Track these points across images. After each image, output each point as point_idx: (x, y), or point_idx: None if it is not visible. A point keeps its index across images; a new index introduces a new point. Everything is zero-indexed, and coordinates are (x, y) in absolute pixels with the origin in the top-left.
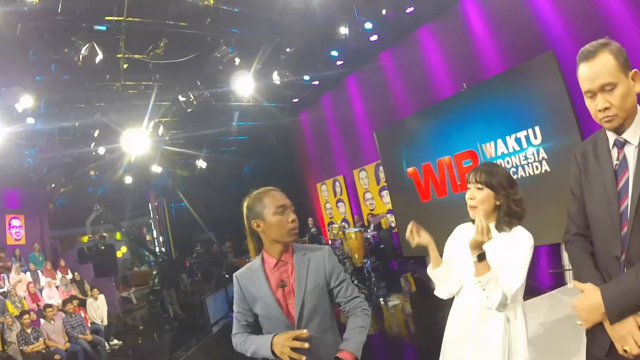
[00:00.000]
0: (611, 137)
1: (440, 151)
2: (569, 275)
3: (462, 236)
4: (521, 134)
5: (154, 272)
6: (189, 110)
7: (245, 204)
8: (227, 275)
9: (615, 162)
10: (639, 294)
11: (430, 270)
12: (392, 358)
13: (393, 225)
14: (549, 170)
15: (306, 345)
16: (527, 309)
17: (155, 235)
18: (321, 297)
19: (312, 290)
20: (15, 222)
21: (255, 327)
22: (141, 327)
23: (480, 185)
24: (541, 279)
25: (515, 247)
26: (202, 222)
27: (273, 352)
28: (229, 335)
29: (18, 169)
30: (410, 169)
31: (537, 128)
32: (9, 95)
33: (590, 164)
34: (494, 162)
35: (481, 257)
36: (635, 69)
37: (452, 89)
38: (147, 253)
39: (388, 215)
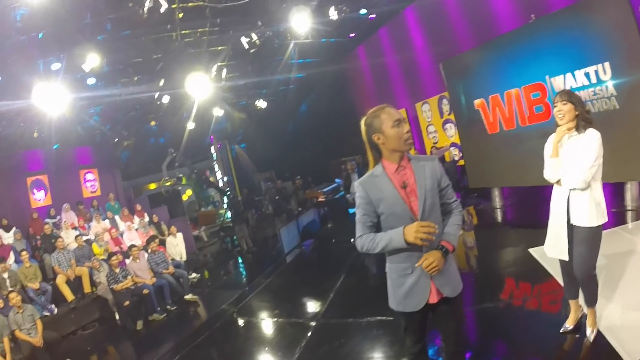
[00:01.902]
0: None
1: (508, 83)
2: (630, 215)
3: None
4: (590, 69)
5: (220, 211)
6: (251, 50)
7: (363, 121)
8: (299, 209)
9: None
10: None
11: (549, 159)
12: None
13: (456, 158)
14: (617, 107)
15: (436, 229)
16: None
17: (219, 176)
18: (436, 196)
19: (430, 190)
20: (89, 176)
21: (377, 228)
22: (216, 261)
23: (565, 102)
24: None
25: (589, 144)
26: (262, 160)
27: (406, 241)
28: (302, 263)
29: (86, 128)
30: (477, 101)
31: (606, 64)
32: (73, 59)
33: None
34: None
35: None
36: None
37: (518, 20)
38: (211, 194)
39: (451, 148)
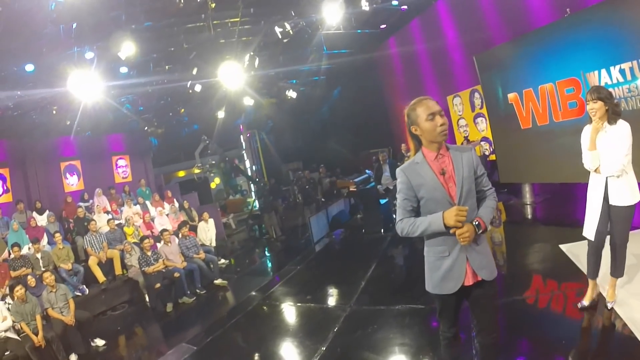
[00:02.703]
0: None
1: (542, 78)
2: None
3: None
4: (625, 66)
5: (248, 200)
6: (285, 40)
7: (405, 112)
8: (323, 199)
9: None
10: None
11: (586, 151)
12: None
13: (487, 153)
14: None
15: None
16: None
17: (248, 165)
18: (472, 183)
19: (467, 177)
20: (121, 162)
21: (417, 213)
22: (244, 249)
23: (595, 100)
24: (634, 217)
25: (621, 136)
26: (291, 150)
27: (445, 225)
28: (333, 252)
29: (119, 115)
30: (511, 95)
31: None
32: (106, 48)
33: None
34: None
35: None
36: None
37: (553, 14)
38: (238, 183)
39: (482, 142)
